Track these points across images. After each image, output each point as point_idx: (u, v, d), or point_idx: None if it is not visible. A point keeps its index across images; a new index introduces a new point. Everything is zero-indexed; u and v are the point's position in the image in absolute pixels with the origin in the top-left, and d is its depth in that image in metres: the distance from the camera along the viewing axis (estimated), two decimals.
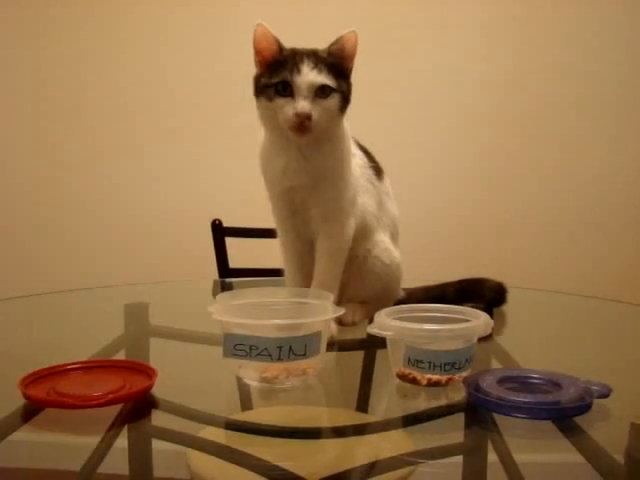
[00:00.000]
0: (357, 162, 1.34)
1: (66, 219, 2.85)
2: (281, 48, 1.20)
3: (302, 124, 1.17)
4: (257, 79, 1.22)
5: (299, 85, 1.16)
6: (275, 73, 1.18)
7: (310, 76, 1.16)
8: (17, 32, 2.80)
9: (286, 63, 1.18)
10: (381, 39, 2.69)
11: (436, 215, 2.74)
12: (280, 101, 1.18)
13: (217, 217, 2.02)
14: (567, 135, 2.74)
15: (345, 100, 1.22)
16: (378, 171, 1.41)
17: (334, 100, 1.20)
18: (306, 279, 1.32)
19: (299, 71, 1.16)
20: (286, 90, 1.17)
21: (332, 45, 1.21)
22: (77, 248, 2.84)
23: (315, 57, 1.19)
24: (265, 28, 1.19)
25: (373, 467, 0.81)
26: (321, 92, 1.18)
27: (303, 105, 1.16)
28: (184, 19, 2.77)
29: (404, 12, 2.71)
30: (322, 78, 1.17)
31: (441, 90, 2.74)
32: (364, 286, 1.37)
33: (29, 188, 2.86)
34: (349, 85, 1.23)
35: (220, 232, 2.01)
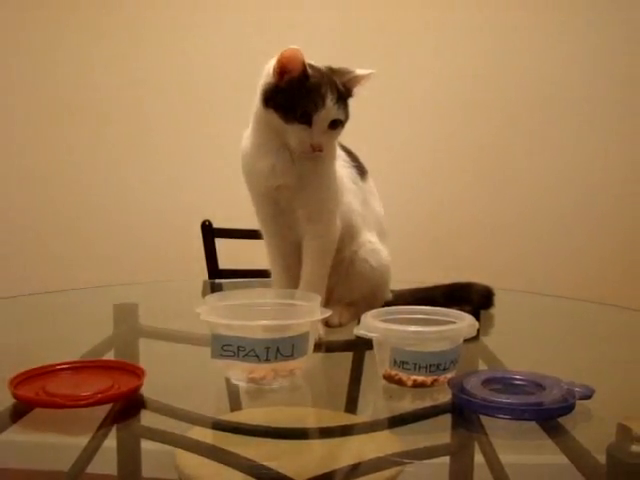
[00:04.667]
0: (340, 163, 1.35)
1: (55, 220, 2.84)
2: (306, 73, 1.20)
3: (314, 150, 1.21)
4: (271, 91, 1.22)
5: (321, 119, 1.19)
6: (298, 99, 1.19)
7: (332, 112, 1.20)
8: (16, 32, 2.80)
9: (311, 93, 1.19)
10: (374, 38, 2.70)
11: (425, 217, 2.75)
12: (297, 127, 1.20)
13: (207, 218, 2.02)
14: (561, 137, 2.74)
15: (346, 122, 1.26)
16: (361, 171, 1.42)
17: (341, 129, 1.25)
18: (293, 280, 1.32)
19: (324, 105, 1.19)
20: (304, 118, 1.19)
21: (348, 79, 1.25)
22: (66, 248, 2.83)
23: (337, 90, 1.21)
24: (296, 52, 1.19)
25: (360, 467, 0.81)
26: (333, 124, 1.22)
27: (320, 139, 1.21)
28: (176, 21, 2.77)
29: (395, 11, 2.72)
30: (340, 113, 1.22)
31: (431, 91, 2.75)
32: (352, 288, 1.38)
33: (19, 190, 2.85)
34: (348, 109, 1.27)
35: (210, 233, 2.02)
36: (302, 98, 1.19)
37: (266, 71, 1.24)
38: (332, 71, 1.25)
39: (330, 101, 1.19)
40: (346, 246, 1.35)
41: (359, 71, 1.25)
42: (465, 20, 2.71)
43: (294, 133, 1.21)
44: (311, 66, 1.22)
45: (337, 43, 2.67)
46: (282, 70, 1.20)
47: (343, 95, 1.23)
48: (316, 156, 1.23)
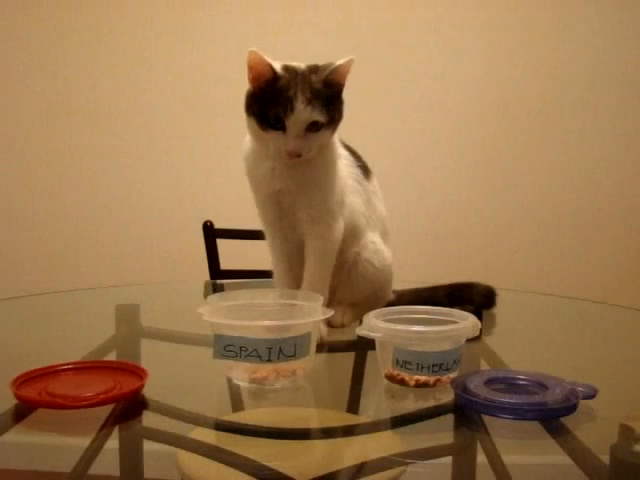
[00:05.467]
0: (343, 162, 1.34)
1: (57, 221, 2.84)
2: (276, 76, 1.18)
3: (291, 157, 1.19)
4: (249, 98, 1.22)
5: (291, 123, 1.16)
6: (268, 104, 1.17)
7: (303, 114, 1.16)
8: (18, 32, 2.80)
9: (280, 97, 1.16)
10: (373, 39, 2.70)
11: (427, 217, 2.75)
12: (271, 133, 1.18)
13: (208, 219, 2.02)
14: (560, 136, 2.74)
15: (336, 124, 1.23)
16: (365, 170, 1.41)
17: (325, 132, 1.21)
18: (295, 281, 1.32)
19: (292, 109, 1.15)
20: (278, 124, 1.17)
21: (328, 73, 1.20)
22: (68, 249, 2.83)
23: (310, 90, 1.17)
24: (258, 56, 1.17)
25: (362, 467, 0.81)
26: (312, 126, 1.18)
27: (294, 144, 1.17)
28: (174, 22, 2.77)
29: (395, 11, 2.72)
30: (315, 115, 1.17)
31: (433, 91, 2.75)
32: (354, 289, 1.37)
33: (19, 191, 2.86)
34: (340, 105, 1.24)
35: (211, 234, 2.02)
36: (272, 103, 1.17)
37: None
38: (311, 69, 1.21)
39: (301, 103, 1.16)
40: (349, 247, 1.35)
41: (338, 61, 1.21)
42: (469, 20, 2.71)
43: (270, 140, 1.20)
44: (286, 68, 1.19)
45: (338, 43, 2.67)
46: (252, 76, 1.19)
47: (321, 93, 1.18)
48: (295, 162, 1.21)
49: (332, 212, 1.29)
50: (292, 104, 1.15)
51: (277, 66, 1.20)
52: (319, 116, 1.18)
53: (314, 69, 1.21)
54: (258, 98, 1.19)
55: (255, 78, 1.19)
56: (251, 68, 1.18)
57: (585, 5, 2.69)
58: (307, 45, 2.65)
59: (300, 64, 1.23)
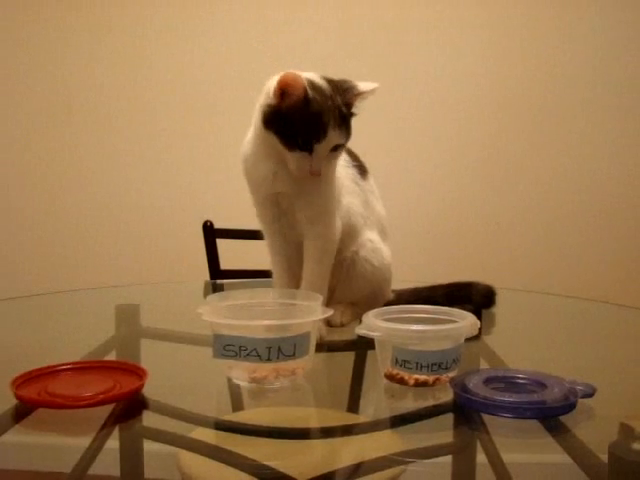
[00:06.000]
0: (340, 163, 1.34)
1: (57, 221, 2.84)
2: (308, 99, 1.16)
3: (315, 176, 1.20)
4: (272, 114, 1.20)
5: (321, 147, 1.18)
6: (298, 126, 1.17)
7: (334, 139, 1.18)
8: (14, 32, 2.80)
9: (313, 122, 1.16)
10: (373, 38, 2.70)
11: (426, 217, 2.75)
12: (297, 154, 1.19)
13: (208, 219, 2.02)
14: (561, 135, 2.74)
15: (349, 138, 1.25)
16: (362, 170, 1.41)
17: (342, 150, 1.24)
18: (294, 280, 1.32)
19: (325, 135, 1.16)
20: (306, 146, 1.17)
21: (352, 96, 1.21)
22: (68, 249, 2.83)
23: (339, 115, 1.18)
24: (297, 78, 1.15)
25: (362, 467, 0.81)
26: (335, 148, 1.20)
27: (319, 165, 1.19)
28: (174, 21, 2.77)
29: (396, 10, 2.72)
30: (342, 138, 1.20)
31: (434, 90, 2.75)
32: (353, 288, 1.38)
33: (19, 191, 2.86)
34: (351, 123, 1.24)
35: (211, 234, 2.02)
36: (303, 126, 1.17)
37: (266, 90, 1.21)
38: (334, 88, 1.21)
39: (332, 129, 1.17)
40: (347, 246, 1.36)
41: (362, 86, 1.22)
42: (469, 18, 2.71)
43: (294, 158, 1.19)
44: (314, 87, 1.18)
45: (338, 42, 2.67)
46: (282, 93, 1.17)
47: (346, 117, 1.20)
48: (314, 178, 1.22)
49: (330, 213, 1.29)
50: (325, 131, 1.16)
51: (305, 82, 1.18)
52: (343, 138, 1.21)
53: (337, 88, 1.21)
54: (284, 116, 1.18)
55: (284, 96, 1.17)
56: (283, 86, 1.16)
57: (586, 4, 2.69)
58: (308, 44, 2.65)
59: (321, 80, 1.21)
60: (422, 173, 2.77)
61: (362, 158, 1.44)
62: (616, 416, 0.92)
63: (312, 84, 1.18)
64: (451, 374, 0.98)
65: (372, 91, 1.22)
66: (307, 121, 1.16)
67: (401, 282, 1.49)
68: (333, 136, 1.17)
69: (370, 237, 1.40)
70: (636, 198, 2.71)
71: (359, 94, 1.21)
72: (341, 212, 1.32)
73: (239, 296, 1.14)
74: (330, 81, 1.22)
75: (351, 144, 1.41)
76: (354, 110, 1.23)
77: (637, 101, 2.71)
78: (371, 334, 1.00)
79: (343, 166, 1.36)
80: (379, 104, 2.67)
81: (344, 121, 1.19)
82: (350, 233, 1.35)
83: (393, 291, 1.47)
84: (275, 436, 0.89)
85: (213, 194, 2.75)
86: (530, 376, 0.95)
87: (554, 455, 0.84)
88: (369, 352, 1.09)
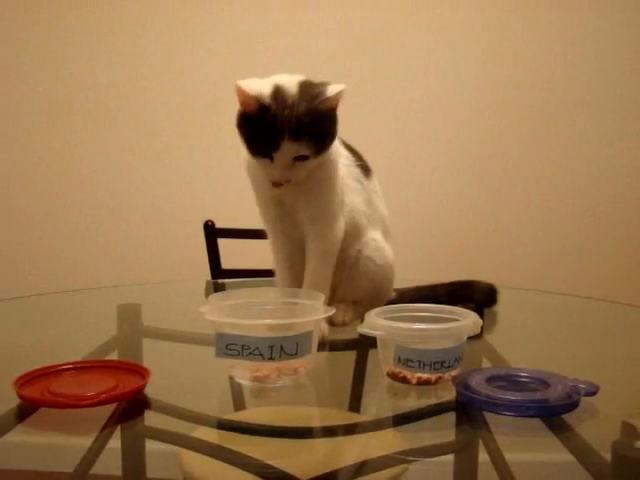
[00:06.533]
0: (343, 162, 1.34)
1: (58, 221, 2.84)
2: (263, 108, 1.15)
3: (277, 186, 1.20)
4: (239, 117, 1.20)
5: (278, 156, 1.16)
6: (256, 134, 1.16)
7: (291, 150, 1.15)
8: (15, 31, 2.80)
9: (267, 131, 1.14)
10: (376, 38, 2.70)
11: (428, 215, 2.75)
12: (260, 160, 1.19)
13: (209, 218, 2.02)
14: (560, 136, 2.74)
15: (326, 149, 1.21)
16: (366, 169, 1.41)
17: (313, 161, 1.19)
18: (297, 280, 1.32)
19: (277, 146, 1.14)
20: (265, 154, 1.17)
21: (317, 104, 1.16)
22: (70, 249, 2.84)
23: (297, 123, 1.14)
24: (243, 90, 1.15)
25: (364, 466, 0.81)
26: (300, 158, 1.17)
27: (280, 175, 1.18)
28: (175, 20, 2.78)
29: (398, 11, 2.72)
30: (302, 149, 1.16)
31: (435, 90, 2.75)
32: (356, 287, 1.38)
33: (20, 191, 2.86)
34: (332, 127, 1.21)
35: (212, 233, 2.02)
36: (260, 134, 1.16)
37: None
38: (302, 95, 1.17)
39: (287, 141, 1.14)
40: (350, 245, 1.35)
41: (329, 91, 1.17)
42: (469, 19, 2.71)
43: (259, 165, 1.20)
44: (275, 95, 1.16)
45: (338, 42, 2.67)
46: (240, 102, 1.17)
47: (309, 126, 1.15)
48: (284, 187, 1.21)
49: (333, 212, 1.29)
50: (278, 142, 1.14)
51: (266, 91, 1.16)
52: (305, 150, 1.16)
53: (306, 93, 1.17)
54: (247, 122, 1.18)
55: (243, 104, 1.17)
56: (238, 96, 1.16)
57: (585, 6, 2.69)
58: (307, 44, 2.65)
59: (293, 84, 1.19)
60: (423, 172, 2.77)
61: (365, 158, 1.43)
62: (619, 414, 0.92)
63: (275, 92, 1.16)
64: (453, 373, 0.98)
65: (339, 94, 1.17)
66: (263, 129, 1.15)
67: (403, 281, 1.49)
68: (288, 147, 1.15)
69: (373, 236, 1.40)
70: (637, 195, 2.71)
71: (326, 100, 1.16)
72: (344, 211, 1.32)
73: (241, 295, 1.14)
74: (303, 86, 1.19)
75: (354, 143, 1.41)
76: (332, 115, 1.19)
77: (636, 101, 2.71)
78: (373, 333, 1.00)
79: (347, 165, 1.36)
80: (381, 104, 2.69)
81: (306, 131, 1.15)
82: (354, 232, 1.35)
83: (395, 290, 1.46)
84: (277, 435, 0.89)
85: (214, 194, 2.75)
86: (533, 374, 0.95)
87: (557, 454, 0.83)
88: (371, 351, 1.09)
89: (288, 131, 1.14)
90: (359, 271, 1.37)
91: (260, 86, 1.17)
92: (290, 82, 1.19)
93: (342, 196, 1.32)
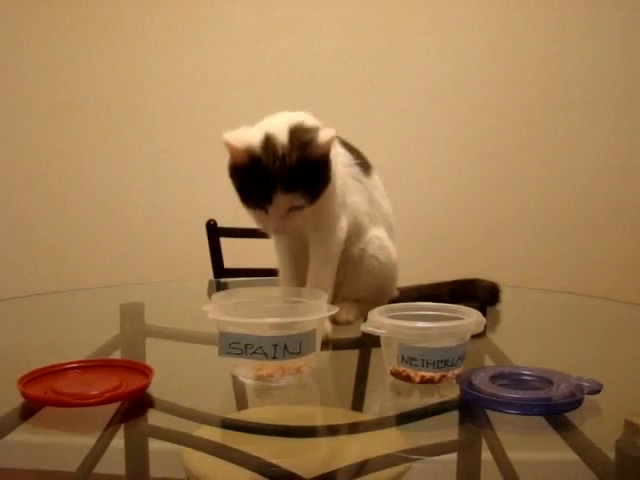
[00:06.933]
0: (341, 161, 1.32)
1: (61, 220, 2.85)
2: (253, 159, 1.13)
3: (277, 233, 1.19)
4: (231, 167, 1.18)
5: (272, 208, 1.14)
6: (248, 185, 1.14)
7: (285, 202, 1.13)
8: (15, 30, 2.80)
9: (259, 184, 1.12)
10: (378, 38, 2.70)
11: (430, 214, 2.75)
12: (254, 212, 1.17)
13: (212, 217, 2.02)
14: (562, 135, 2.74)
15: (321, 193, 1.19)
16: (365, 167, 1.39)
17: (310, 207, 1.18)
18: (300, 280, 1.32)
19: (270, 200, 1.12)
20: (259, 206, 1.15)
21: (310, 151, 1.14)
22: (72, 249, 2.84)
23: (289, 174, 1.12)
24: (231, 145, 1.13)
25: (367, 465, 0.81)
26: (295, 208, 1.16)
27: (276, 225, 1.17)
28: (177, 20, 2.78)
29: (398, 11, 2.72)
30: (295, 200, 1.14)
31: (440, 88, 2.75)
32: (359, 285, 1.38)
33: (22, 191, 2.86)
34: (326, 172, 1.19)
35: (215, 232, 2.02)
36: (252, 186, 1.14)
37: None
38: (293, 144, 1.14)
39: (280, 192, 1.12)
40: (353, 244, 1.35)
41: (320, 138, 1.14)
42: (470, 19, 2.71)
43: (253, 215, 1.18)
44: (265, 142, 1.13)
45: (338, 42, 2.67)
46: (230, 154, 1.15)
47: (302, 175, 1.13)
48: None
49: (334, 216, 1.29)
50: (270, 195, 1.12)
51: (256, 142, 1.14)
52: (300, 201, 1.14)
53: (296, 141, 1.15)
54: (238, 173, 1.16)
55: (233, 157, 1.15)
56: (227, 148, 1.14)
57: (584, 5, 2.68)
58: (308, 44, 2.65)
59: (283, 132, 1.16)
60: (426, 171, 2.76)
61: (366, 155, 1.43)
62: (622, 413, 0.91)
63: (265, 141, 1.14)
64: (457, 371, 0.98)
65: (330, 140, 1.15)
66: (254, 182, 1.13)
67: (405, 280, 1.49)
68: (282, 199, 1.13)
69: (377, 234, 1.39)
70: (639, 194, 2.71)
71: (314, 147, 1.14)
72: (347, 212, 1.32)
73: (244, 294, 1.15)
74: (293, 133, 1.16)
75: (356, 142, 1.41)
76: (325, 160, 1.17)
77: (636, 100, 2.71)
78: (377, 331, 1.00)
79: (345, 164, 1.34)
80: (382, 104, 2.69)
81: (299, 181, 1.13)
82: (356, 232, 1.35)
83: (397, 289, 1.46)
84: (280, 434, 0.89)
85: (216, 193, 2.73)
86: (536, 373, 0.95)
87: (560, 452, 0.84)
88: (374, 350, 1.09)
89: (280, 183, 1.11)
90: (363, 269, 1.36)
91: (249, 136, 1.15)
92: (280, 130, 1.15)
93: (343, 197, 1.31)
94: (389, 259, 1.39)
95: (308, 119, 1.25)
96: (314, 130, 1.17)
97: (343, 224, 1.30)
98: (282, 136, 1.15)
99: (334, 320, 1.28)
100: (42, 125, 2.84)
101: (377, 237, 1.39)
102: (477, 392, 0.89)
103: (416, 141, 2.77)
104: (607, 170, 2.72)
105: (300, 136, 1.15)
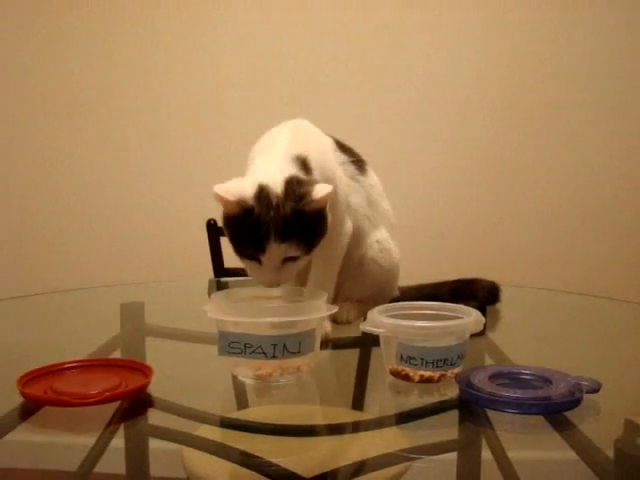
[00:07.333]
0: (337, 160, 1.31)
1: (61, 219, 2.84)
2: (246, 210, 1.09)
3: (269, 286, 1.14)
4: (224, 217, 1.15)
5: (266, 260, 1.10)
6: (242, 236, 1.11)
7: (280, 253, 1.09)
8: (17, 30, 2.80)
9: (252, 235, 1.09)
10: (377, 37, 2.70)
11: (430, 213, 2.75)
12: (247, 263, 1.14)
13: (212, 217, 2.02)
14: (561, 134, 2.74)
15: (319, 240, 1.14)
16: (360, 165, 1.37)
17: (305, 258, 1.14)
18: (301, 280, 1.31)
19: (264, 250, 1.08)
20: (253, 257, 1.11)
21: (304, 204, 1.09)
22: (72, 248, 2.84)
23: (283, 225, 1.07)
24: (222, 198, 1.09)
25: (367, 464, 0.82)
26: (289, 259, 1.11)
27: (270, 278, 1.12)
28: (179, 20, 2.78)
29: (398, 11, 2.72)
30: (290, 251, 1.09)
31: (439, 87, 2.74)
32: (360, 286, 1.38)
33: (23, 189, 2.86)
34: (322, 223, 1.13)
35: (215, 232, 2.01)
36: (245, 237, 1.11)
37: None
38: (287, 194, 1.09)
39: (274, 243, 1.07)
40: (354, 249, 1.34)
41: (315, 194, 1.09)
42: (470, 19, 2.70)
43: (247, 266, 1.14)
44: (259, 192, 1.09)
45: (338, 42, 2.67)
46: (222, 206, 1.12)
47: (296, 226, 1.08)
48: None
49: (340, 220, 1.26)
50: (264, 246, 1.08)
51: (249, 193, 1.10)
52: (294, 251, 1.10)
53: (291, 192, 1.10)
54: (231, 223, 1.13)
55: (225, 208, 1.12)
56: (218, 201, 1.11)
57: (584, 5, 2.68)
58: (308, 44, 2.65)
59: (278, 183, 1.11)
60: (425, 170, 2.76)
61: (363, 154, 1.41)
62: (622, 412, 0.92)
63: (259, 192, 1.10)
64: (456, 370, 0.98)
65: (325, 197, 1.09)
66: (247, 232, 1.10)
67: (405, 279, 1.49)
68: (275, 249, 1.08)
69: (378, 237, 1.38)
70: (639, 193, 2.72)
71: (311, 202, 1.09)
72: (350, 211, 1.31)
73: (244, 293, 1.15)
74: (288, 184, 1.11)
75: (353, 144, 1.40)
76: (321, 213, 1.12)
77: (635, 99, 2.71)
78: (376, 331, 1.00)
79: (340, 163, 1.32)
80: (381, 103, 2.68)
81: (293, 232, 1.08)
82: (357, 236, 1.33)
83: (398, 288, 1.46)
84: (280, 433, 0.89)
85: None
86: (535, 372, 0.95)
87: (559, 451, 0.84)
88: (374, 349, 1.09)
89: (274, 232, 1.07)
90: (364, 273, 1.36)
91: (241, 187, 1.11)
92: (275, 181, 1.11)
93: (347, 199, 1.30)
94: (390, 262, 1.39)
95: (306, 127, 1.26)
96: (310, 183, 1.13)
97: (348, 226, 1.29)
98: (277, 187, 1.10)
99: (334, 319, 1.28)
100: (43, 125, 2.83)
101: (377, 241, 1.38)
102: (476, 391, 0.89)
103: (416, 140, 2.76)
104: (607, 169, 2.72)
105: (295, 188, 1.11)
